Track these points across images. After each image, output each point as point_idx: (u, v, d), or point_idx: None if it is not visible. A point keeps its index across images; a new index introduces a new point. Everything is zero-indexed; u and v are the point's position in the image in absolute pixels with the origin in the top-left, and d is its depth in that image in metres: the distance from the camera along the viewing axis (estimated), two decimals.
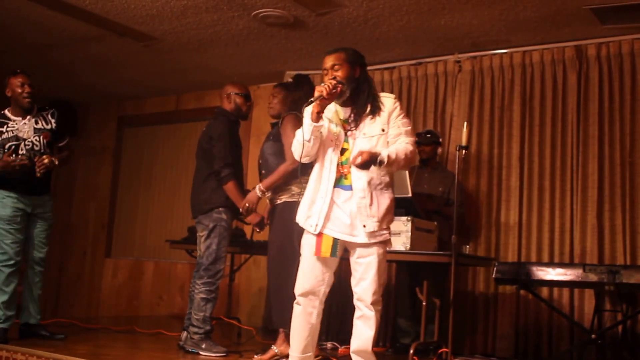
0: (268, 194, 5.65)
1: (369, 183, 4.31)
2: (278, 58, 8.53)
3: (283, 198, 5.57)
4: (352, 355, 4.44)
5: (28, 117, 6.15)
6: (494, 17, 6.84)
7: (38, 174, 5.95)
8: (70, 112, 11.04)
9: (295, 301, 4.48)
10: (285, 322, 5.41)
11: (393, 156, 4.24)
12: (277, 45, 8.04)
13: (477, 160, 7.62)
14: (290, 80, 6.25)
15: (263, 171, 5.75)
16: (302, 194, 5.36)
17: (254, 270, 9.11)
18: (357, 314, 4.41)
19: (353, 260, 4.41)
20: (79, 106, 11.20)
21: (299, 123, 5.42)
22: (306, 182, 5.04)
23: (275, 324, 5.62)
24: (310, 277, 4.42)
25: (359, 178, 4.31)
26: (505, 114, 7.55)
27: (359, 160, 4.15)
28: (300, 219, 4.51)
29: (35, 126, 6.16)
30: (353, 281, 4.40)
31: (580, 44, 7.23)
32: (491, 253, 7.37)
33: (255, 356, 5.64)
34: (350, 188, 4.35)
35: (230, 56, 8.54)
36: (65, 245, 11.15)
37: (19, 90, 6.06)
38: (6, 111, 6.17)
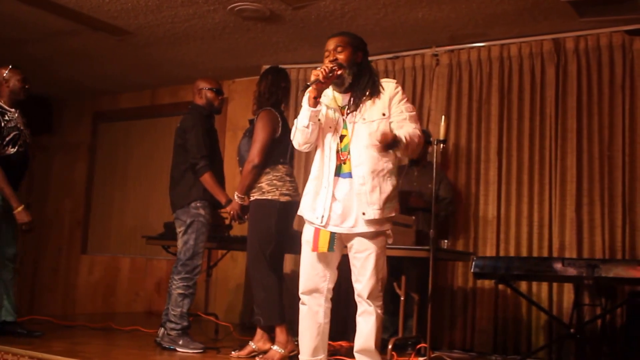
0: (246, 197, 5.59)
1: (372, 170, 4.15)
2: (254, 52, 8.47)
3: (254, 196, 5.54)
4: (356, 355, 4.30)
5: (18, 111, 6.36)
6: (471, 10, 6.83)
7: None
8: (46, 107, 10.98)
9: (300, 301, 4.35)
10: (265, 319, 5.51)
11: (408, 138, 4.12)
12: (253, 39, 7.99)
13: (455, 155, 7.60)
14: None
15: (240, 168, 5.71)
16: (272, 192, 5.42)
17: (231, 266, 9.07)
18: (358, 310, 4.28)
19: (351, 254, 4.27)
20: (54, 101, 11.13)
21: (273, 118, 5.42)
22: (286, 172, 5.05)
23: (258, 320, 5.61)
24: (312, 274, 4.30)
25: (359, 164, 4.16)
26: (483, 107, 7.53)
27: (381, 140, 4.02)
28: (305, 211, 4.33)
29: (23, 120, 6.38)
30: (353, 277, 4.28)
31: (559, 37, 7.23)
32: (469, 247, 7.34)
33: (233, 352, 5.64)
34: (348, 175, 4.20)
35: (206, 50, 8.49)
36: (41, 241, 11.05)
37: (19, 84, 6.33)
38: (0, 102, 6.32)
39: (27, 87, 6.36)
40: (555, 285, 6.87)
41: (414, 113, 4.34)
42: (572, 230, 6.88)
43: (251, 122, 5.78)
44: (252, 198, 5.54)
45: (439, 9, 6.84)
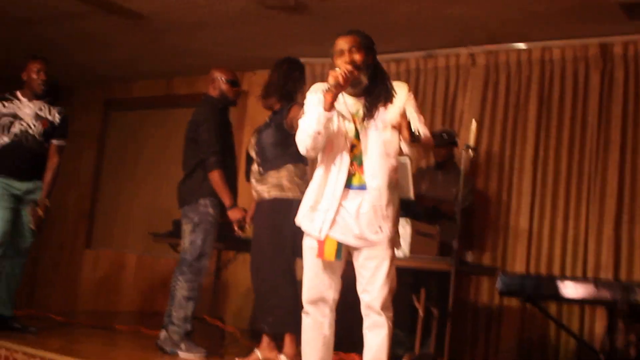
0: None
1: (388, 183, 4.01)
2: (276, 43, 8.17)
3: (273, 194, 5.34)
4: None
5: (34, 101, 6.28)
6: (512, 8, 6.61)
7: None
8: (53, 92, 10.74)
9: (304, 311, 4.19)
10: (275, 326, 5.34)
11: (424, 137, 3.99)
12: (275, 29, 7.76)
13: (486, 162, 7.40)
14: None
15: (259, 160, 5.47)
16: (292, 190, 5.30)
17: (242, 268, 8.77)
18: (365, 323, 4.08)
19: (359, 263, 4.08)
20: (63, 87, 10.87)
21: None
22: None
23: (263, 327, 5.42)
24: (317, 282, 4.12)
25: (374, 176, 3.98)
26: (520, 113, 7.33)
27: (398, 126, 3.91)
28: (303, 221, 4.16)
29: (38, 112, 6.26)
30: (359, 287, 4.08)
31: (606, 41, 6.98)
32: (497, 262, 7.14)
33: (237, 359, 5.46)
34: (359, 188, 4.02)
35: (225, 39, 8.25)
36: (42, 234, 10.77)
37: (34, 76, 6.24)
38: (18, 92, 6.30)
39: (42, 79, 6.24)
40: (587, 307, 6.61)
41: (423, 119, 4.22)
42: (609, 249, 6.64)
43: (276, 112, 5.57)
44: (269, 196, 5.34)
45: (477, 6, 6.62)
